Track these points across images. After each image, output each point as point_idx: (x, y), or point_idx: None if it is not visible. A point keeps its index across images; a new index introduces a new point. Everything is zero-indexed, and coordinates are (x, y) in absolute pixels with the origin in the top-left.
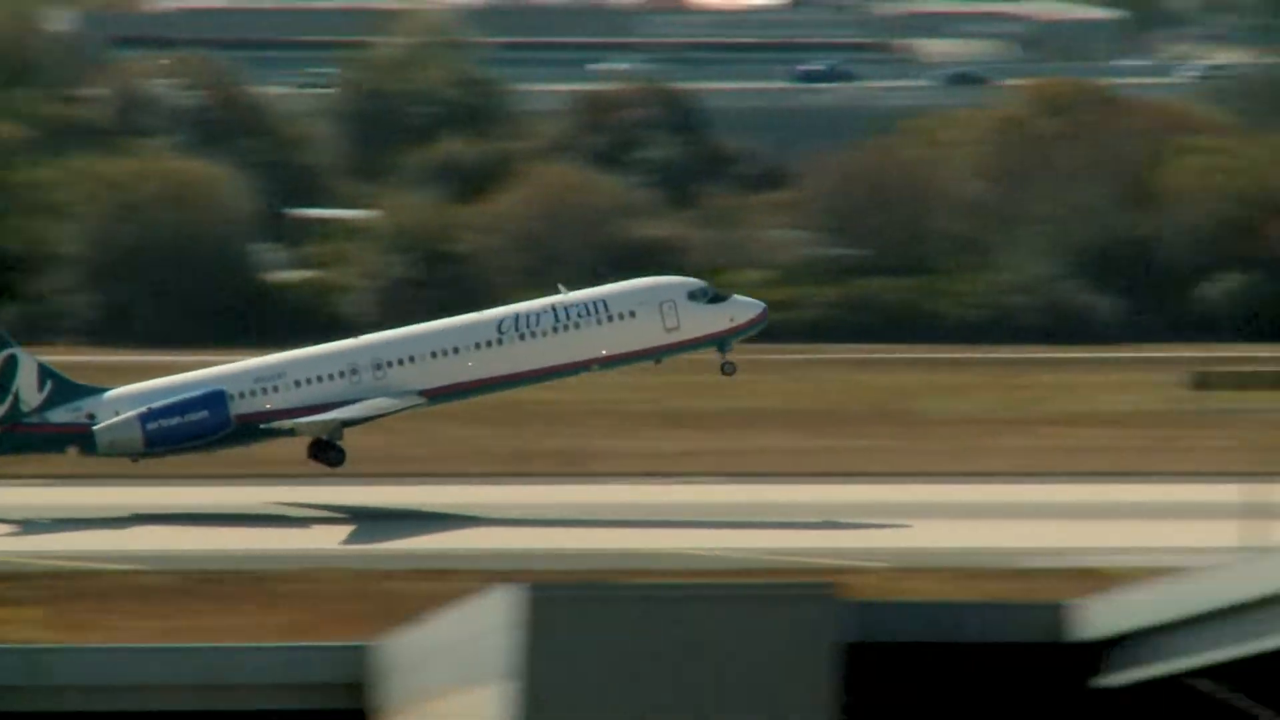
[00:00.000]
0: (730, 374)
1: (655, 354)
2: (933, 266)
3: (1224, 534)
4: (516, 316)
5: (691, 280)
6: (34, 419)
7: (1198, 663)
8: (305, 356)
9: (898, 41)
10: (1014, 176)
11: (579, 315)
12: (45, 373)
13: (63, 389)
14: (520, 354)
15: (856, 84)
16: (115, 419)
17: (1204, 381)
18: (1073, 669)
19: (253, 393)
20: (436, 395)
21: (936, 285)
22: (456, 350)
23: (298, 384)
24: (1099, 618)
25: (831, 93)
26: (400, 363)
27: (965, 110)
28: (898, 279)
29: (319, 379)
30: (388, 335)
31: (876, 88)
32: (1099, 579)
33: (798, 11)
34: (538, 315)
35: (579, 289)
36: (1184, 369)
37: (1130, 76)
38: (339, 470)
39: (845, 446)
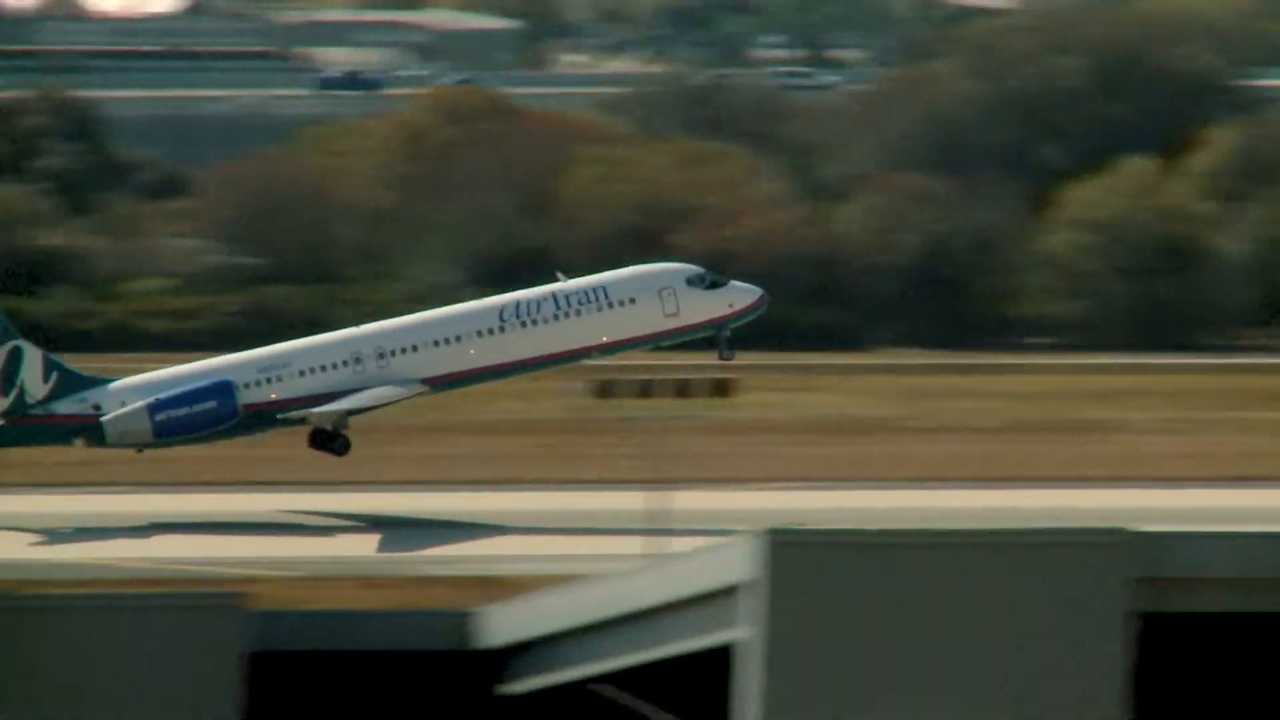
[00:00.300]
0: (729, 360)
1: (656, 340)
2: (335, 274)
3: (623, 543)
4: (518, 304)
5: (690, 267)
6: (40, 410)
7: (600, 669)
8: (309, 346)
9: (297, 50)
10: (414, 185)
11: (580, 302)
12: (50, 364)
13: (68, 380)
14: (522, 341)
15: (255, 92)
16: (124, 410)
17: (606, 390)
18: (477, 676)
19: (258, 383)
20: (439, 383)
21: (338, 293)
22: (459, 338)
23: (302, 373)
24: (501, 625)
25: (230, 101)
26: (403, 351)
27: (365, 119)
28: (300, 287)
29: (323, 368)
30: (391, 324)
31: (275, 96)
32: (501, 587)
33: (196, 19)
34: (539, 303)
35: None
36: (589, 378)
37: (528, 86)
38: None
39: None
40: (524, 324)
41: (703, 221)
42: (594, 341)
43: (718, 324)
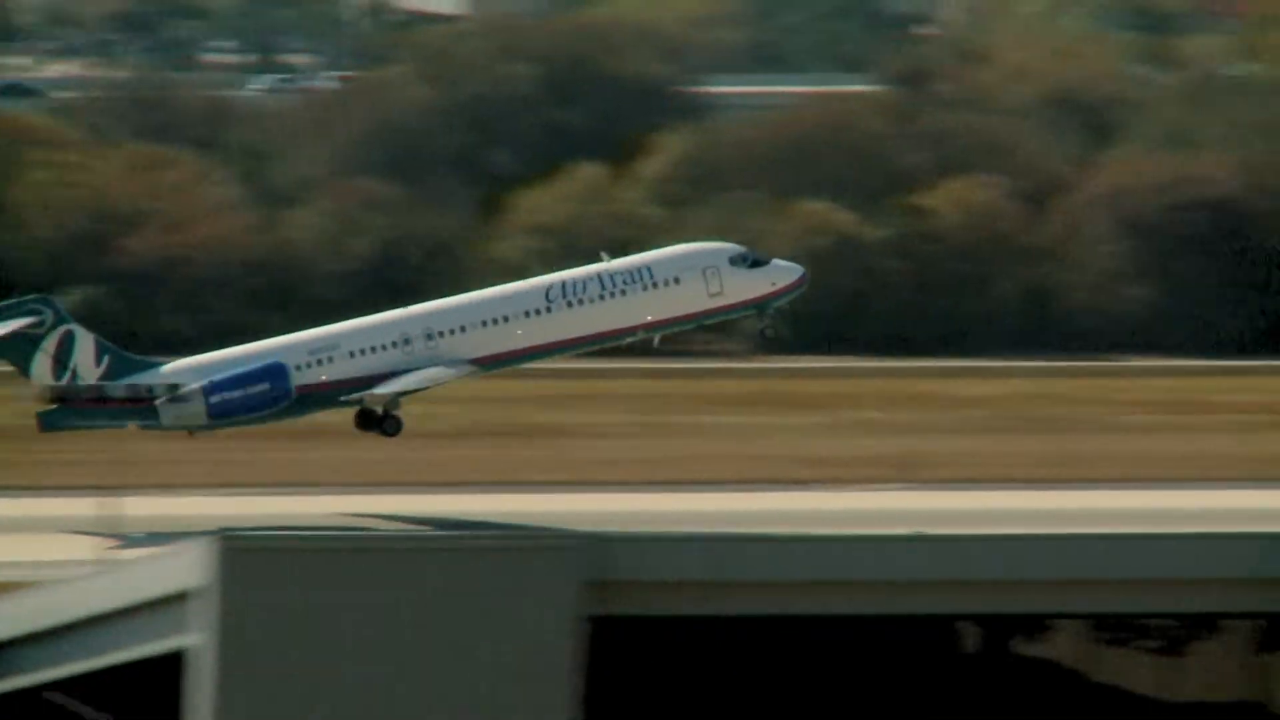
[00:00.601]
0: (772, 337)
1: (699, 318)
2: None
3: (73, 548)
4: (564, 284)
5: (733, 246)
6: (94, 393)
7: (52, 676)
8: (358, 327)
9: None
10: None
11: (625, 282)
12: (102, 348)
13: (120, 363)
14: (568, 321)
15: None
16: (179, 392)
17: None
18: None
19: (309, 364)
20: (487, 363)
21: None
22: (506, 319)
23: (352, 355)
24: None
25: None
26: (452, 332)
27: None
28: None
29: (373, 349)
30: (439, 304)
31: None
32: None
33: None
34: (584, 283)
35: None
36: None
37: None
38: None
39: None
40: (570, 304)
41: (154, 227)
42: (639, 321)
43: (760, 303)
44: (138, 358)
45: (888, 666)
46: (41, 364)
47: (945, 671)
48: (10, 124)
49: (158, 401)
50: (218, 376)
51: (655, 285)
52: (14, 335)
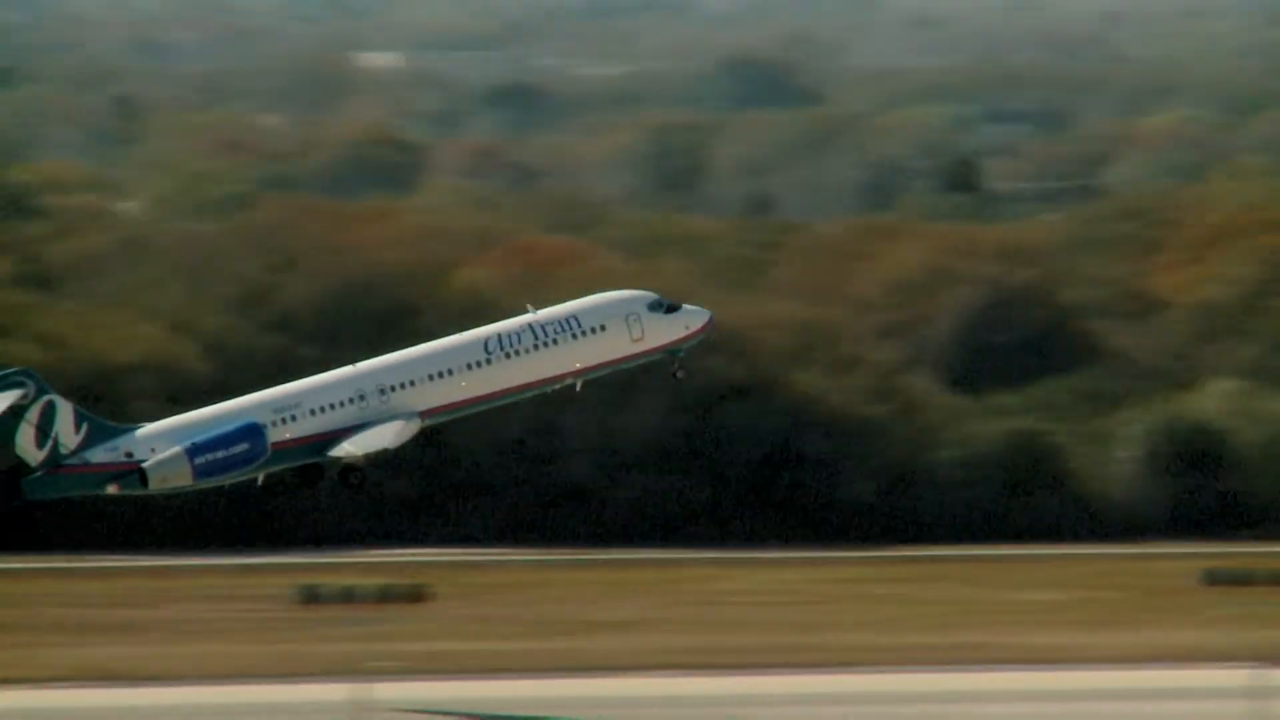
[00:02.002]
0: (682, 379)
1: (623, 363)
2: None
3: None
4: (500, 336)
5: (648, 293)
6: (75, 460)
7: None
8: (315, 385)
9: None
10: None
11: (556, 332)
12: (80, 416)
13: (97, 430)
14: (507, 371)
15: None
16: (164, 455)
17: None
18: None
19: (273, 423)
20: (432, 414)
21: None
22: (451, 371)
23: (313, 412)
24: None
25: None
26: (402, 386)
27: None
28: None
29: (331, 406)
30: (388, 360)
31: None
32: None
33: None
34: (519, 334)
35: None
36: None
37: None
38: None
39: None
40: (507, 355)
41: None
42: (570, 369)
43: (676, 346)
44: (112, 424)
45: None
46: (25, 434)
47: None
48: None
49: (145, 465)
50: (199, 438)
51: (583, 333)
52: (10, 410)
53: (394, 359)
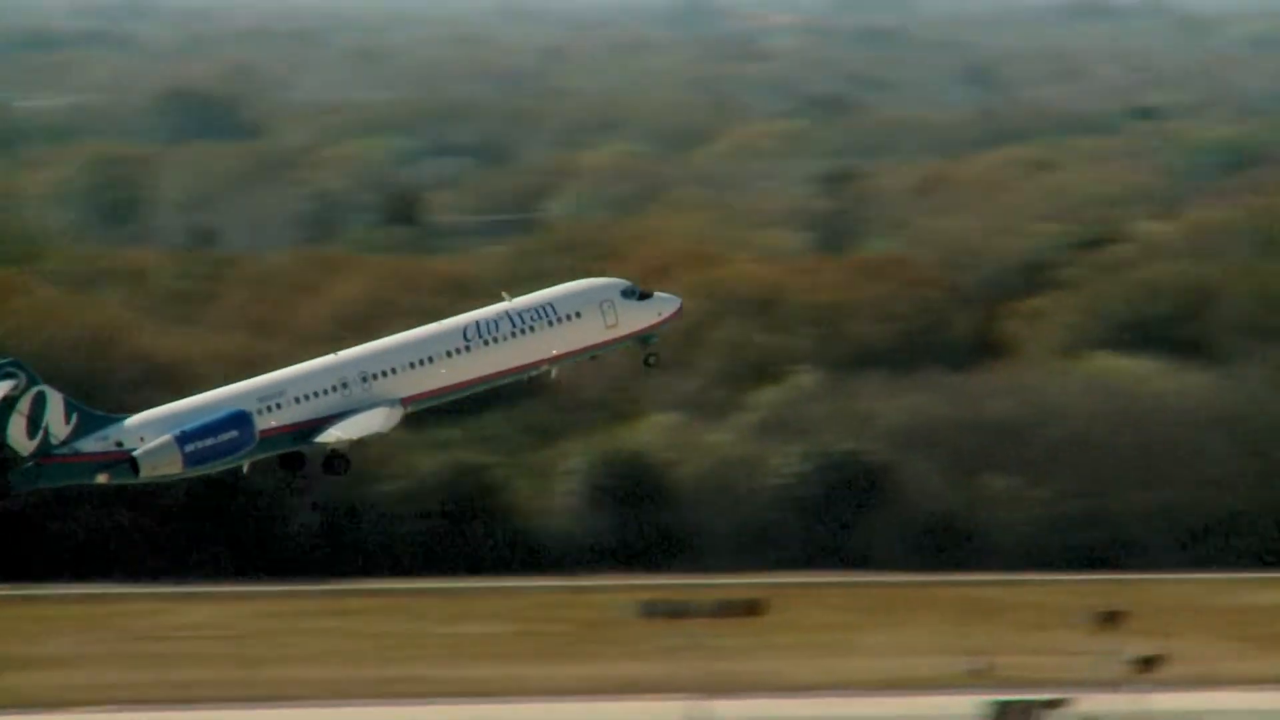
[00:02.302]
0: (654, 365)
1: (598, 349)
2: None
3: None
4: (478, 324)
5: (621, 280)
6: (65, 450)
7: None
8: (299, 373)
9: None
10: None
11: (532, 319)
12: (70, 406)
13: (86, 420)
14: (486, 358)
15: None
16: (154, 444)
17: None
18: None
19: (258, 411)
20: (414, 401)
21: None
22: (431, 359)
23: (297, 400)
24: None
25: None
26: (384, 374)
27: None
28: None
29: (315, 394)
30: (370, 348)
31: None
32: None
33: None
34: (496, 322)
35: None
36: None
37: None
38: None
39: None
40: (486, 342)
41: None
42: (547, 355)
43: (649, 332)
44: (101, 414)
45: None
46: (16, 425)
47: None
48: None
49: (135, 454)
50: (188, 426)
51: (559, 320)
52: (3, 401)
53: (375, 347)
